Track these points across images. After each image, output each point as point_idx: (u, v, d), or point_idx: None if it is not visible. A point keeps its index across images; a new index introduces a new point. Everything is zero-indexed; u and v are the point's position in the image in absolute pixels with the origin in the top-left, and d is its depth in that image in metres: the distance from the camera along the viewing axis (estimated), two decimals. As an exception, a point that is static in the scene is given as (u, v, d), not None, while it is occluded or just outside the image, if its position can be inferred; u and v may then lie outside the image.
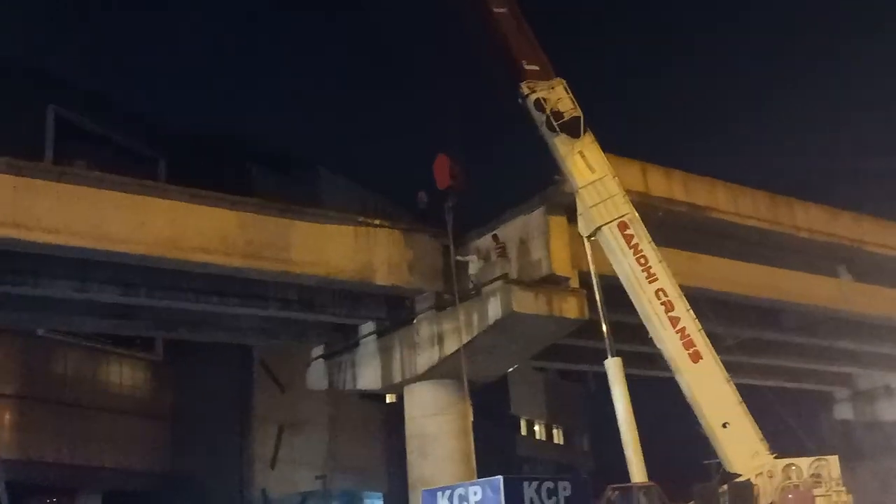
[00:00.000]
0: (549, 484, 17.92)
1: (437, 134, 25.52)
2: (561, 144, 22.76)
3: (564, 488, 18.03)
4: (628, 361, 21.53)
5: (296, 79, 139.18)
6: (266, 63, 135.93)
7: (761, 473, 19.70)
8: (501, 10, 24.24)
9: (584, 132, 22.65)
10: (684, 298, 20.96)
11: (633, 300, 21.42)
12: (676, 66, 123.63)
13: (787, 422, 22.34)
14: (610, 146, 23.24)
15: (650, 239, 21.56)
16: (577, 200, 22.51)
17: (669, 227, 24.82)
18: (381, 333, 28.07)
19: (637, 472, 19.82)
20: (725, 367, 20.67)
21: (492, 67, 24.78)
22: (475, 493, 17.80)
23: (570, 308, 25.13)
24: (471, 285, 25.91)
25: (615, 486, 19.15)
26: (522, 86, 23.29)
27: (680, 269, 22.52)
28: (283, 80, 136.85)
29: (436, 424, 26.60)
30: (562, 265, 25.21)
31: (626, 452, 20.15)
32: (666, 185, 26.56)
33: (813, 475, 19.52)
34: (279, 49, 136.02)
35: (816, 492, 19.18)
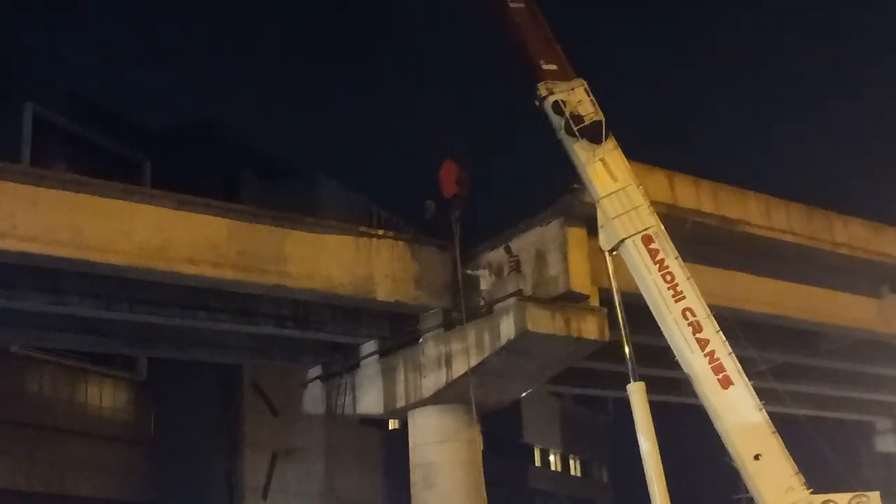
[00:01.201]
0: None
1: (447, 140, 25.51)
2: (581, 150, 22.75)
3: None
4: (652, 387, 21.39)
5: (294, 81, 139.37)
6: (263, 63, 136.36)
7: (796, 510, 19.49)
8: (518, 3, 24.46)
9: (606, 137, 22.65)
10: (713, 319, 20.77)
11: (657, 320, 21.24)
12: (704, 69, 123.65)
13: (824, 454, 22.02)
14: (634, 153, 23.21)
15: (677, 254, 21.40)
16: (598, 211, 22.49)
17: (698, 241, 24.71)
18: (383, 353, 27.80)
19: (661, 507, 19.69)
20: (758, 394, 20.40)
21: (507, 67, 25.03)
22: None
23: (590, 328, 25.01)
24: (482, 302, 25.74)
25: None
26: (540, 87, 23.42)
27: (709, 288, 22.40)
28: (280, 82, 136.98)
29: (442, 453, 26.37)
30: (581, 281, 25.08)
31: (649, 486, 20.01)
32: (694, 195, 26.47)
33: (852, 513, 19.33)
34: (276, 47, 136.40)
35: (856, 530, 18.99)
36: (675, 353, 21.03)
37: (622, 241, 21.83)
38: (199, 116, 46.23)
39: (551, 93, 23.25)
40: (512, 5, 24.36)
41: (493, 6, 24.57)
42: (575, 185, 24.02)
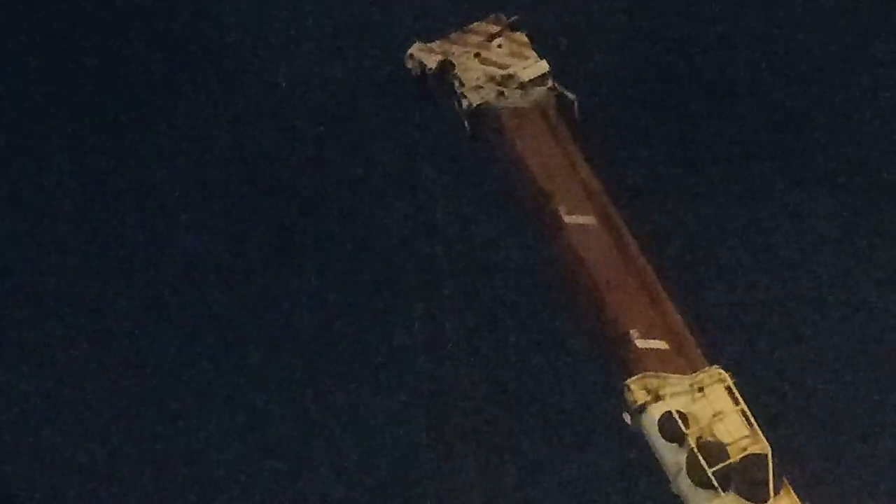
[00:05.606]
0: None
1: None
2: (725, 513, 14.49)
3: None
4: None
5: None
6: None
7: None
8: (582, 218, 15.17)
9: (778, 489, 13.01)
10: None
11: None
12: None
13: None
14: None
15: None
16: None
17: None
18: None
19: None
20: None
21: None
22: None
23: None
24: None
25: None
26: (631, 386, 13.88)
27: None
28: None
29: None
30: None
31: None
32: None
33: None
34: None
35: None
36: None
37: None
38: None
39: (656, 398, 13.87)
40: (568, 222, 14.76)
41: (540, 224, 15.44)
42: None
